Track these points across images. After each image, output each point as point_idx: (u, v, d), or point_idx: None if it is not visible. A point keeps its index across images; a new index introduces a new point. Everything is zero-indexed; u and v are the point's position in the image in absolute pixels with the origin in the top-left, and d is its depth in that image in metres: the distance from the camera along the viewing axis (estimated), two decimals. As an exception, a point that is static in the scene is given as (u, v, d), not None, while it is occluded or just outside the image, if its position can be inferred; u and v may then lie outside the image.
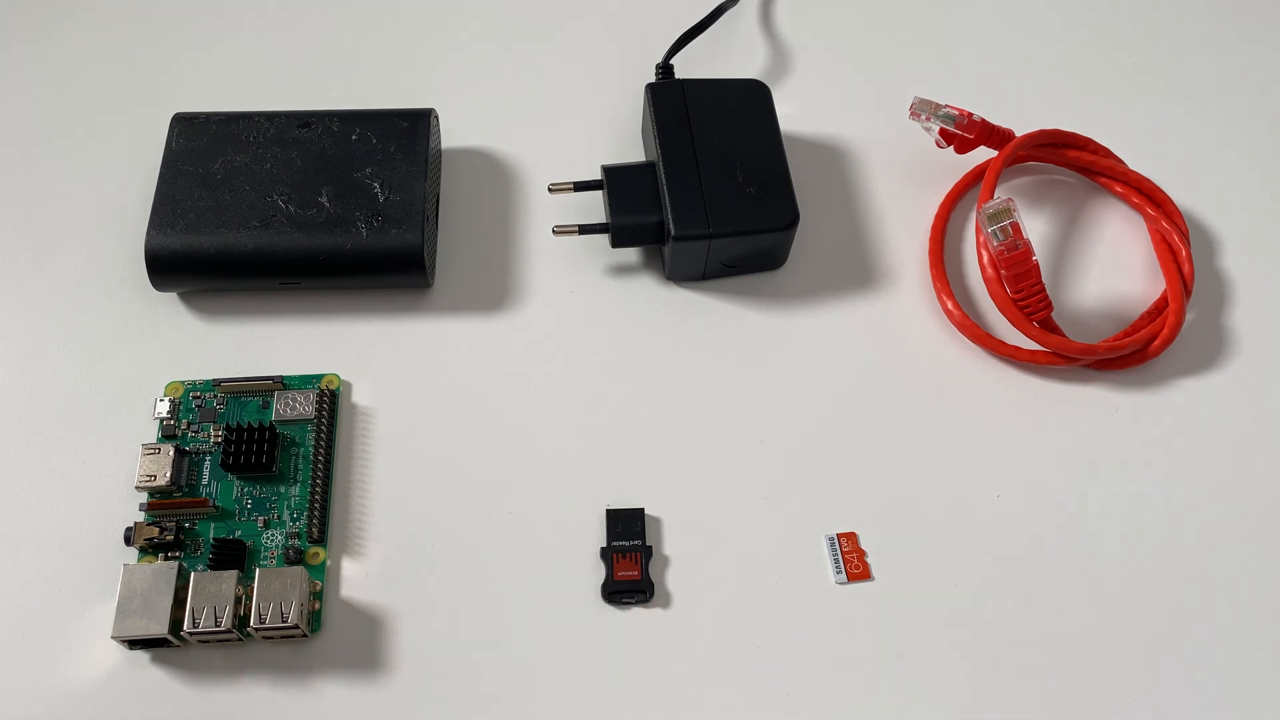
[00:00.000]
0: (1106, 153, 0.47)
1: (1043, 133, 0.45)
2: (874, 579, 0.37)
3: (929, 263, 0.44)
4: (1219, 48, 0.52)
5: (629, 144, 0.48)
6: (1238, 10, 0.53)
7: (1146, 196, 0.46)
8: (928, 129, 0.45)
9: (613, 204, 0.42)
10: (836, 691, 0.35)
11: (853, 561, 0.37)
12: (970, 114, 0.45)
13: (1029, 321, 0.41)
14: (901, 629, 0.36)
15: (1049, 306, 0.41)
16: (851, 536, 0.38)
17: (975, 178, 0.46)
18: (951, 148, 0.46)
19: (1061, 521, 0.39)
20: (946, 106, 0.45)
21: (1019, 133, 0.46)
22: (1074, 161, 0.46)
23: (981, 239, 0.42)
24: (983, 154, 0.46)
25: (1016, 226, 0.40)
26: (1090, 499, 0.39)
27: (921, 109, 0.45)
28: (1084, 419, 0.41)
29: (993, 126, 0.45)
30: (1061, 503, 0.39)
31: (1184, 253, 0.43)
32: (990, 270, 0.42)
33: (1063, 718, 0.35)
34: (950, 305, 0.42)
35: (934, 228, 0.45)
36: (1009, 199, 0.41)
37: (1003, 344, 0.42)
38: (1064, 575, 0.37)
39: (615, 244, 0.43)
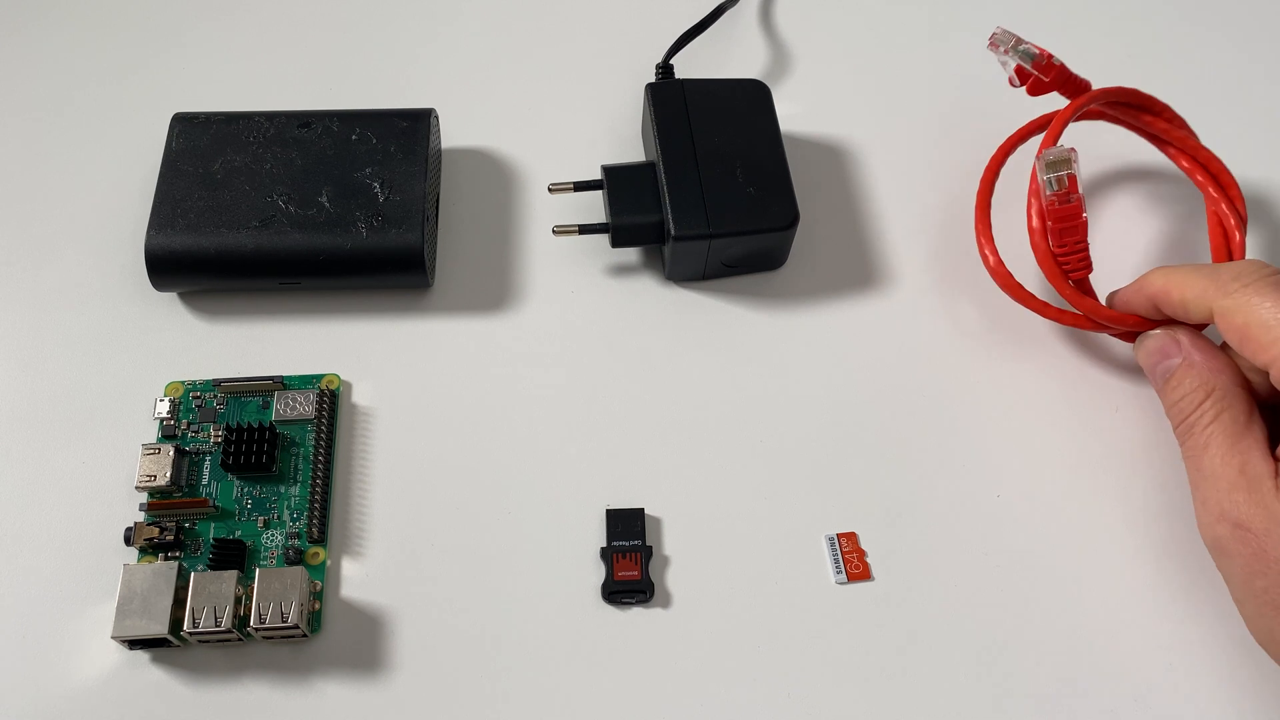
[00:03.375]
0: (1181, 123, 0.44)
1: (1121, 89, 0.43)
2: (874, 579, 0.37)
3: (975, 211, 0.42)
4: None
5: (629, 144, 0.48)
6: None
7: (1212, 176, 0.43)
8: (1004, 63, 0.42)
9: (613, 204, 0.42)
10: (836, 691, 0.35)
11: (853, 561, 0.37)
12: (1050, 55, 0.41)
13: (1065, 279, 0.39)
14: (901, 629, 0.36)
15: (1088, 267, 0.39)
16: (851, 536, 0.38)
17: (1038, 128, 0.44)
18: (1025, 88, 0.42)
19: (1062, 521, 0.38)
20: (1028, 43, 0.41)
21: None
22: (1146, 126, 0.44)
23: (1035, 187, 0.40)
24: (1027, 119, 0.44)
25: (1073, 179, 0.39)
26: (1090, 499, 0.39)
27: (1002, 40, 0.42)
28: (1084, 419, 0.41)
29: (1070, 73, 0.42)
30: (1061, 503, 0.39)
31: (1238, 238, 0.41)
32: (1037, 221, 0.40)
33: (1062, 718, 0.35)
34: (989, 253, 0.41)
35: (984, 176, 0.43)
36: (1071, 149, 0.39)
37: (1033, 297, 0.40)
38: (1064, 575, 0.37)
39: (615, 244, 0.43)
